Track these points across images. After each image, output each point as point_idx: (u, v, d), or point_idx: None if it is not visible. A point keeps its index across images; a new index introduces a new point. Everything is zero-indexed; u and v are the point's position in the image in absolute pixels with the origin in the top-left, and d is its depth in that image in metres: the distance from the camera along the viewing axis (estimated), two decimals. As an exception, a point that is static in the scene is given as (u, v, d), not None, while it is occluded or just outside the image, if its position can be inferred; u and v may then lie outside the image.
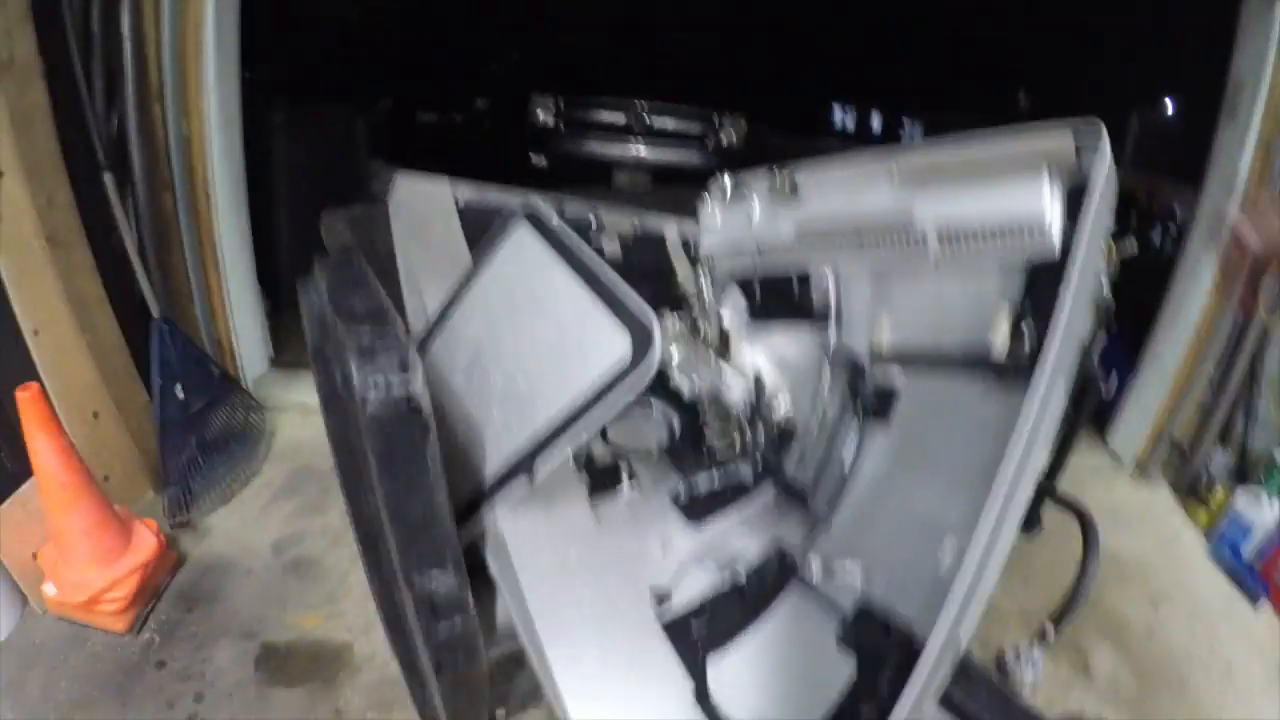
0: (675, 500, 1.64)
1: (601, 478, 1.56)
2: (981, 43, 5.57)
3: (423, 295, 1.32)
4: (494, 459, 0.96)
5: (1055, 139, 1.14)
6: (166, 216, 3.21)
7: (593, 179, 4.85)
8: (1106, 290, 1.38)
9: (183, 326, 3.15)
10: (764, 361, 1.91)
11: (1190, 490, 3.57)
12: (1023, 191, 1.17)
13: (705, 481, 1.73)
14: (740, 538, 1.61)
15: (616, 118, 5.09)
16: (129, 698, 2.18)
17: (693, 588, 1.39)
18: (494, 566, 0.95)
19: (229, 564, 2.74)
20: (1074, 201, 1.15)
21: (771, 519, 1.67)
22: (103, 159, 2.80)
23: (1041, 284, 1.21)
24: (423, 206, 1.55)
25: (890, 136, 6.68)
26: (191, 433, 2.97)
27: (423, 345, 1.22)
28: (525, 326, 1.04)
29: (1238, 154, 3.02)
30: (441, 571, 0.69)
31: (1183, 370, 3.53)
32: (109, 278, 2.85)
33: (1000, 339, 1.25)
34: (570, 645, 0.93)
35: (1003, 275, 1.28)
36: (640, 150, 5.17)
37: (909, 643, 1.14)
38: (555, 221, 1.12)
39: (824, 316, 1.66)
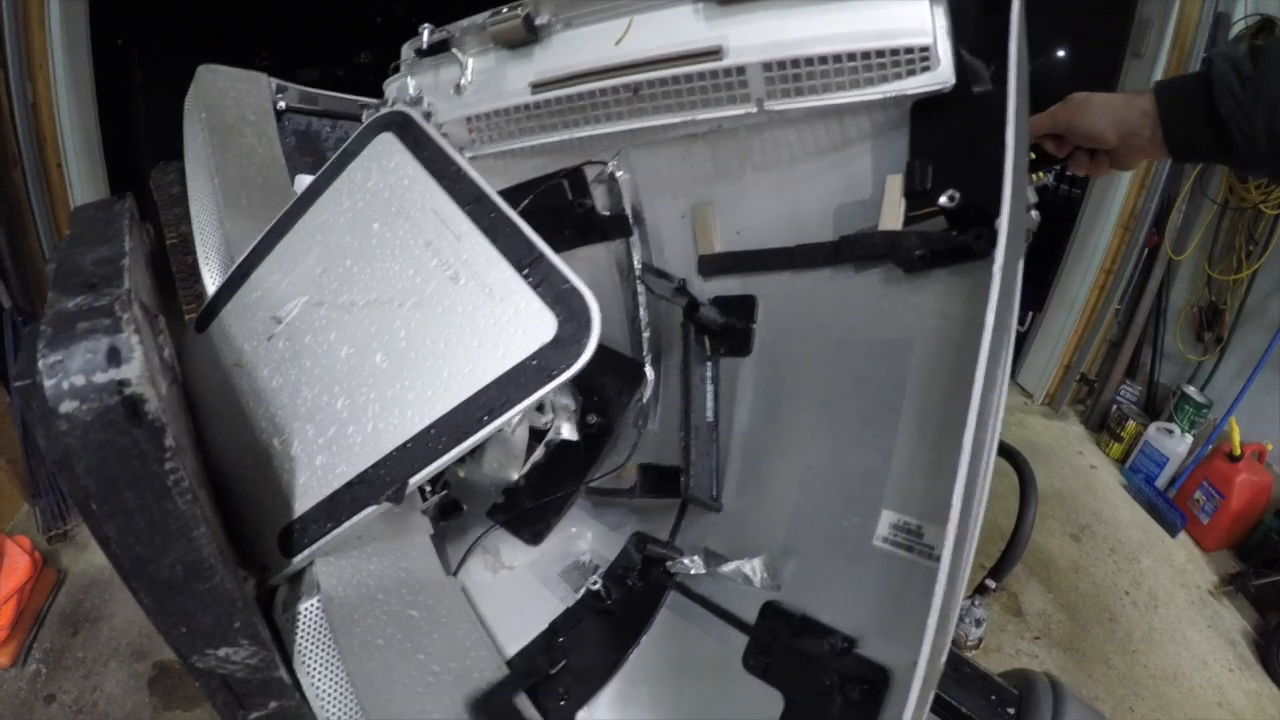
0: (494, 513, 1.23)
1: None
2: None
3: (223, 227, 0.96)
4: (335, 467, 0.72)
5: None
6: (16, 194, 2.87)
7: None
8: (1035, 215, 1.25)
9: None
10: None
11: (1101, 424, 3.69)
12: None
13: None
14: (588, 535, 1.24)
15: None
16: (20, 739, 1.98)
17: (538, 619, 1.06)
18: (296, 636, 0.65)
19: (112, 576, 2.47)
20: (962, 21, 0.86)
21: (627, 508, 1.26)
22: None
23: (934, 132, 0.91)
24: (230, 107, 1.14)
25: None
26: (60, 435, 2.67)
27: (214, 303, 0.88)
28: (390, 281, 0.77)
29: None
30: (232, 647, 0.51)
31: (1090, 306, 3.62)
32: (-50, 269, 2.52)
33: (894, 214, 0.94)
34: None
35: (872, 124, 0.96)
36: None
37: (853, 662, 0.85)
38: (432, 133, 0.82)
39: (619, 230, 1.20)
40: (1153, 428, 3.28)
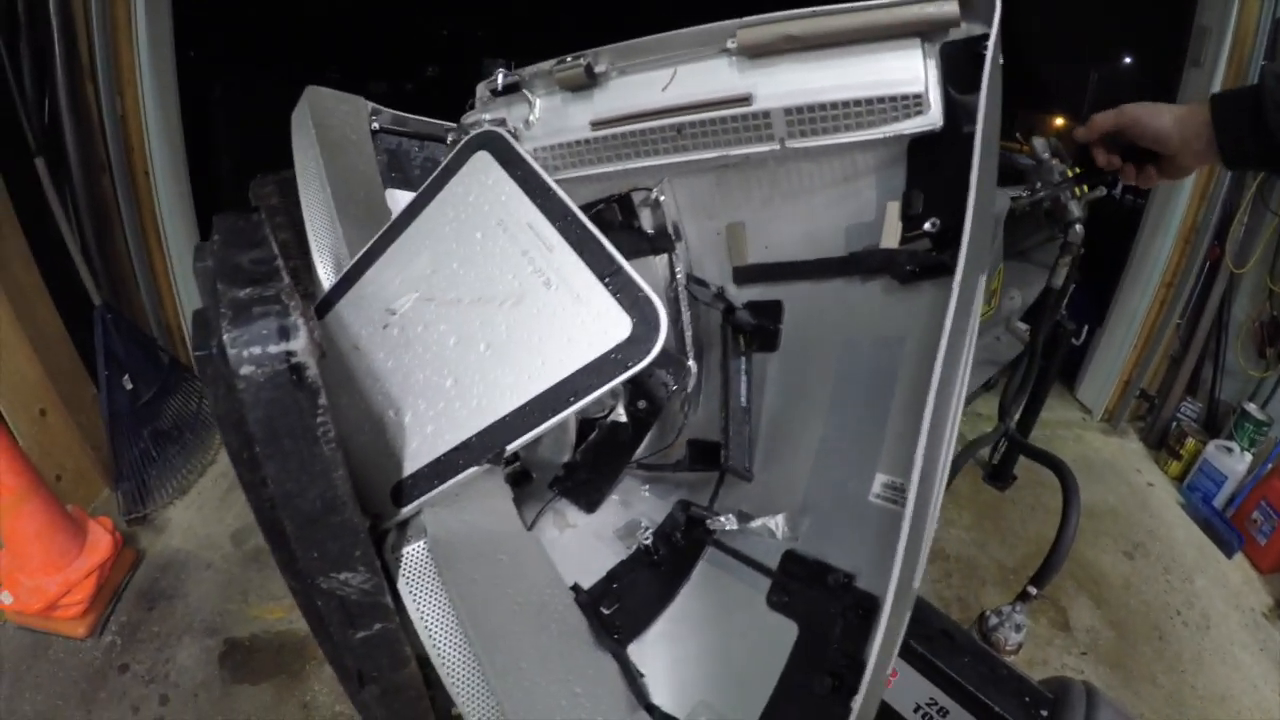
0: (555, 484, 1.39)
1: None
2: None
3: (337, 230, 1.10)
4: (443, 435, 0.84)
5: (932, 6, 0.99)
6: (105, 199, 3.07)
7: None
8: (1079, 229, 1.32)
9: (128, 313, 3.02)
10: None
11: (1160, 441, 3.61)
12: (892, 51, 1.03)
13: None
14: (640, 502, 1.42)
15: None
16: (94, 705, 2.13)
17: (597, 568, 1.24)
18: (403, 570, 0.79)
19: (188, 558, 2.65)
20: (953, 71, 1.04)
21: (672, 482, 1.45)
22: (33, 143, 2.64)
23: (926, 165, 1.10)
24: (337, 126, 1.29)
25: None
26: (143, 424, 2.85)
27: (331, 296, 1.03)
28: (492, 283, 0.89)
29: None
30: (351, 573, 0.62)
31: (1150, 320, 3.55)
32: (46, 267, 2.70)
33: (892, 234, 1.13)
34: (510, 661, 0.80)
35: (876, 158, 1.15)
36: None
37: (851, 593, 1.04)
38: (523, 153, 0.93)
39: (663, 245, 1.38)
40: (1212, 445, 3.20)
